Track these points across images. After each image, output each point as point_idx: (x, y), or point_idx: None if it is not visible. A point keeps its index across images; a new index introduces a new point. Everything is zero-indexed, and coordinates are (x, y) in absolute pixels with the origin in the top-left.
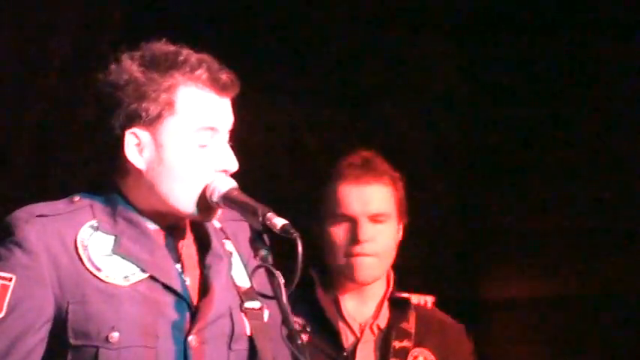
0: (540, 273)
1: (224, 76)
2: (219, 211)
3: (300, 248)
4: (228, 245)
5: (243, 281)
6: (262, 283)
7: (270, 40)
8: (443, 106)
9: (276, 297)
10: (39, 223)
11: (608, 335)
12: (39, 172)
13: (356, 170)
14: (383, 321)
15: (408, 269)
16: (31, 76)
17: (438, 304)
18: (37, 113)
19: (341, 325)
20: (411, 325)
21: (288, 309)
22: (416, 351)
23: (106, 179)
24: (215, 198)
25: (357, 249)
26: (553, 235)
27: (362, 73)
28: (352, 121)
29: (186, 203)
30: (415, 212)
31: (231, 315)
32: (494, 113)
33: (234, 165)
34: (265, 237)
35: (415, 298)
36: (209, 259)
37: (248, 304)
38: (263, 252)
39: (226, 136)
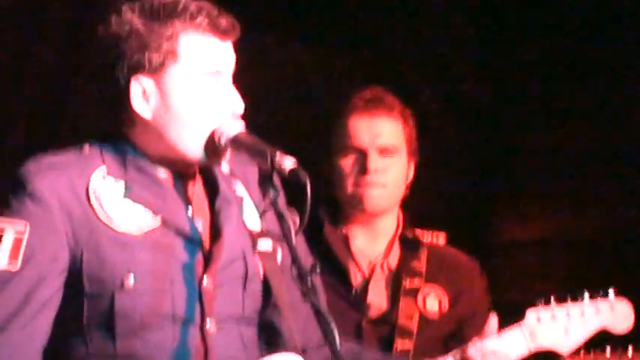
0: (552, 215)
1: (224, 21)
2: (228, 155)
3: (308, 188)
4: (239, 189)
5: (255, 224)
6: (273, 224)
7: None
8: (451, 45)
9: (285, 238)
10: (50, 174)
11: (619, 277)
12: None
13: (367, 103)
14: (394, 260)
15: (422, 212)
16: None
17: (450, 241)
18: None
19: (350, 262)
20: (422, 263)
21: (298, 250)
22: (426, 288)
23: (115, 131)
24: (223, 141)
25: (367, 179)
26: (566, 179)
27: (369, 13)
28: (359, 61)
29: (194, 148)
30: (428, 152)
31: (244, 257)
32: (505, 52)
33: (240, 106)
34: (275, 178)
35: (427, 236)
36: (219, 204)
37: (261, 247)
38: (272, 194)
39: (230, 79)
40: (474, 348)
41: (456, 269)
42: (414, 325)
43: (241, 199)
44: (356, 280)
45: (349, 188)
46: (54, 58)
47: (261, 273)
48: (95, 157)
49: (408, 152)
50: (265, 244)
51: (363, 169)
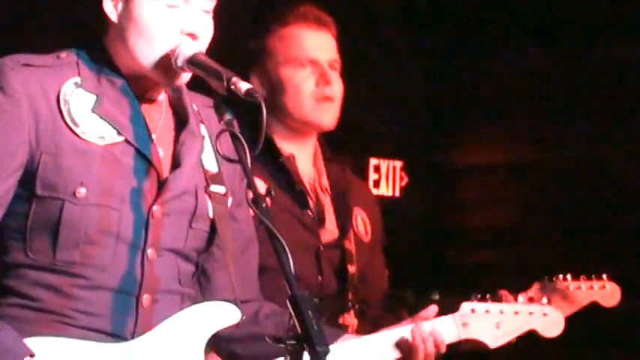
0: (502, 140)
1: None
2: (183, 76)
3: (264, 108)
4: (202, 129)
5: (211, 166)
6: (228, 148)
7: None
8: None
9: (240, 161)
10: (25, 72)
11: (566, 199)
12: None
13: (316, 18)
14: (325, 181)
15: (380, 135)
16: None
17: (406, 168)
18: None
19: (302, 183)
20: (346, 185)
21: (250, 173)
22: (355, 211)
23: (90, 35)
24: (180, 62)
25: (327, 91)
26: (516, 105)
27: None
28: None
29: (148, 60)
30: (385, 78)
31: (196, 193)
32: None
33: (203, 30)
34: (226, 103)
35: (384, 164)
36: (184, 136)
37: (214, 188)
38: (227, 116)
39: (205, 5)
40: (417, 332)
41: (367, 195)
42: (353, 248)
43: (203, 138)
44: (310, 201)
45: (307, 102)
46: None
47: (211, 215)
48: (71, 64)
49: (340, 74)
50: (218, 187)
51: (323, 81)
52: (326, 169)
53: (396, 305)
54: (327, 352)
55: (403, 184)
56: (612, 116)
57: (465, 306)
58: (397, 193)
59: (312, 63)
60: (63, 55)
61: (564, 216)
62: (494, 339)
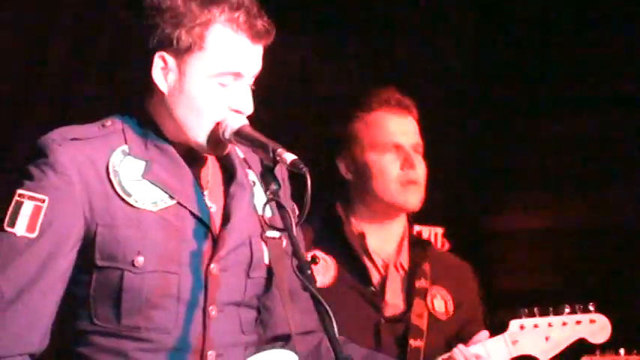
0: (542, 207)
1: (260, 23)
2: (229, 147)
3: (309, 179)
4: (251, 175)
5: (266, 211)
6: (275, 216)
7: None
8: (454, 42)
9: (286, 229)
10: (72, 147)
11: (603, 265)
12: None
13: (399, 103)
14: (404, 260)
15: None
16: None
17: (447, 234)
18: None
19: (367, 261)
20: (428, 265)
21: (298, 241)
22: (434, 289)
23: (136, 99)
24: (227, 134)
25: (412, 175)
26: (553, 175)
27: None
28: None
29: (197, 134)
30: (431, 150)
31: (250, 244)
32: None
33: (249, 108)
34: (276, 171)
35: (426, 230)
36: (233, 189)
37: (269, 233)
38: (273, 187)
39: (250, 80)
40: (458, 353)
41: (457, 273)
42: (424, 325)
43: (253, 185)
44: (374, 278)
45: (393, 186)
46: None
47: (267, 259)
48: (117, 133)
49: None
50: (273, 231)
51: (408, 164)
52: (409, 248)
53: None
54: None
55: (446, 248)
56: None
57: (514, 323)
58: None
59: (396, 148)
60: (108, 123)
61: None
62: (544, 353)
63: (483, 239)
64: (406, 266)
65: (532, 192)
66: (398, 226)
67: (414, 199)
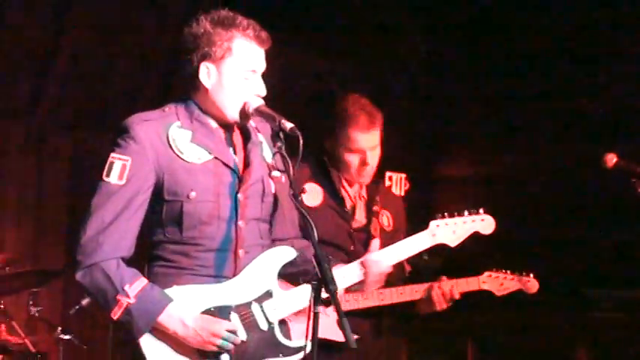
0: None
1: (263, 34)
2: (252, 117)
3: (301, 141)
4: (260, 137)
5: (270, 159)
6: (278, 162)
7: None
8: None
9: (286, 171)
10: (145, 125)
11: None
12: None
13: (365, 122)
14: (364, 193)
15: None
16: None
17: (408, 178)
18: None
19: (343, 192)
20: (379, 197)
21: (294, 179)
22: (382, 211)
23: (187, 95)
24: (251, 110)
25: (367, 169)
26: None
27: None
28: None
29: (233, 112)
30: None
31: (262, 180)
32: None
33: (264, 92)
34: (281, 134)
35: (395, 175)
36: (249, 146)
37: (274, 173)
38: (279, 143)
39: (261, 73)
40: (371, 255)
41: (395, 202)
42: (377, 233)
43: (261, 143)
44: (347, 204)
45: (354, 172)
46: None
47: (273, 191)
48: (173, 114)
49: (380, 144)
50: (276, 172)
51: (363, 163)
52: (367, 185)
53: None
54: (336, 289)
55: (406, 188)
56: None
57: (432, 223)
58: (402, 194)
59: (359, 151)
60: (166, 108)
61: None
62: (452, 241)
63: (432, 181)
64: (366, 197)
65: (469, 146)
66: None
67: (365, 179)
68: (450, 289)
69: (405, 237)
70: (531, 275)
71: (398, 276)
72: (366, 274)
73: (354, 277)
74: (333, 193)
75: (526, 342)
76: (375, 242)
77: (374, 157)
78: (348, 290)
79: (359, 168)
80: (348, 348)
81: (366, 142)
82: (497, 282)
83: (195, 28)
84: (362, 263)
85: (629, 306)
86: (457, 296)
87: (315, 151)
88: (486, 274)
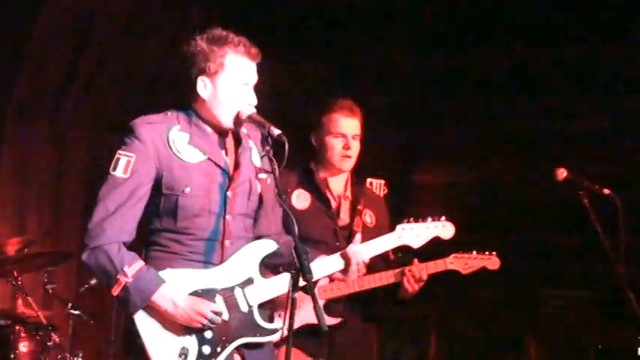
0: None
1: (253, 50)
2: (244, 124)
3: (286, 145)
4: (251, 143)
5: (258, 162)
6: (266, 165)
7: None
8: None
9: (272, 172)
10: (148, 126)
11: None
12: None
13: (350, 108)
14: (349, 194)
15: (372, 165)
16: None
17: (386, 184)
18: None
19: (328, 194)
20: (364, 198)
21: (279, 181)
22: (365, 210)
23: (186, 104)
24: (243, 117)
25: (348, 153)
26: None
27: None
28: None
29: (226, 120)
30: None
31: (250, 181)
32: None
33: (255, 102)
34: (269, 140)
35: (375, 182)
36: (240, 150)
37: (260, 175)
38: (267, 147)
39: (252, 86)
40: (352, 247)
41: (377, 202)
42: (360, 230)
43: (251, 149)
44: (332, 205)
45: (336, 157)
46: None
47: (259, 191)
48: (174, 118)
49: (361, 138)
50: (262, 174)
51: (346, 147)
52: (351, 187)
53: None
54: (312, 278)
55: (385, 193)
56: None
57: (399, 227)
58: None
59: (342, 136)
60: (168, 113)
61: None
62: (415, 243)
63: (408, 188)
64: (350, 198)
65: (445, 157)
66: (344, 176)
67: (347, 166)
68: (419, 271)
69: (388, 232)
70: (494, 253)
71: (383, 265)
72: (347, 264)
73: (336, 267)
74: (319, 196)
75: (484, 332)
76: (358, 237)
77: (355, 146)
78: (331, 279)
79: (341, 152)
80: (321, 330)
81: (348, 128)
82: (463, 262)
83: (193, 47)
84: (342, 254)
85: (576, 304)
86: (425, 277)
87: (302, 162)
88: (452, 255)
